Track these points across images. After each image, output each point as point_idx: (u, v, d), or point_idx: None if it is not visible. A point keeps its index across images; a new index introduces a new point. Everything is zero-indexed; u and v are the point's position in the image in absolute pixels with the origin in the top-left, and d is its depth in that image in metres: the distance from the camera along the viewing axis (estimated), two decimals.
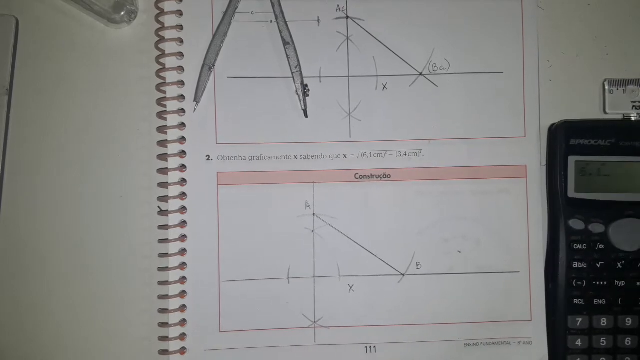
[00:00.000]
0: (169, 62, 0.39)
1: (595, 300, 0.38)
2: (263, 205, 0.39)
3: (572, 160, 0.38)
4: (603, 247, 0.38)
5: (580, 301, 0.38)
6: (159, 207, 0.39)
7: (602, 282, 0.38)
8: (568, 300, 0.38)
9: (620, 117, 0.39)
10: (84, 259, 0.39)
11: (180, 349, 0.38)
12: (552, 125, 0.39)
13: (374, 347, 0.39)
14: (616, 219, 0.38)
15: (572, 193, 0.38)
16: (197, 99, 0.39)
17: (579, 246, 0.38)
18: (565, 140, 0.38)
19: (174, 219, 0.38)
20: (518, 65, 0.40)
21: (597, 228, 0.38)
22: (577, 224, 0.38)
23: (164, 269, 0.38)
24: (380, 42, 0.39)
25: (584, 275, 0.38)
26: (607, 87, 0.40)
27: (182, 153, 0.39)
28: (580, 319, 0.38)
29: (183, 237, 0.38)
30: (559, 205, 0.38)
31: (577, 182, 0.38)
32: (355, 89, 0.39)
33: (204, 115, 0.39)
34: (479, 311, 0.39)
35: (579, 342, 0.38)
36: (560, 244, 0.38)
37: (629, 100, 0.39)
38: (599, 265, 0.38)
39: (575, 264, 0.38)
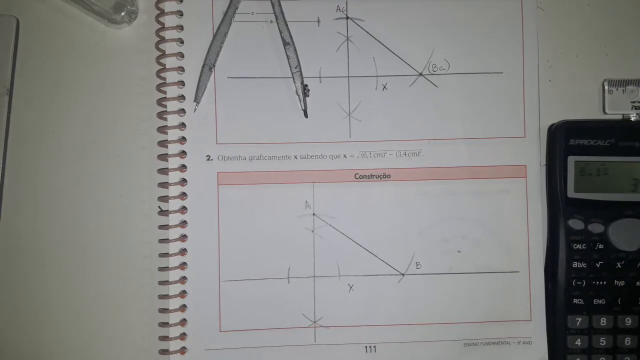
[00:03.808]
0: (169, 62, 0.39)
1: (594, 300, 0.38)
2: (263, 205, 0.39)
3: (571, 160, 0.38)
4: (602, 247, 0.38)
5: (579, 301, 0.38)
6: (159, 207, 0.39)
7: (601, 282, 0.38)
8: (568, 300, 0.38)
9: (619, 117, 0.39)
10: (84, 259, 0.39)
11: (181, 348, 0.38)
12: (552, 125, 0.39)
13: (374, 347, 0.39)
14: (615, 218, 0.38)
15: (571, 193, 0.38)
16: (197, 99, 0.39)
17: (578, 246, 0.38)
18: (565, 140, 0.38)
19: (174, 219, 0.38)
20: (518, 65, 0.40)
21: (596, 228, 0.38)
22: (576, 224, 0.38)
23: (164, 268, 0.38)
24: (380, 42, 0.39)
25: (583, 275, 0.38)
26: (606, 87, 0.40)
27: (183, 153, 0.39)
28: (579, 319, 0.38)
29: (183, 237, 0.38)
30: (559, 205, 0.38)
31: (576, 182, 0.38)
32: (355, 89, 0.39)
33: (204, 116, 0.39)
34: (479, 311, 0.39)
35: (578, 342, 0.38)
36: (559, 244, 0.38)
37: (628, 100, 0.39)
38: (598, 265, 0.38)
39: (575, 264, 0.38)
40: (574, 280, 0.38)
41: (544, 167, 0.40)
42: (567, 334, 0.38)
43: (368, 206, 0.39)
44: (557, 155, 0.38)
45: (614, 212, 0.38)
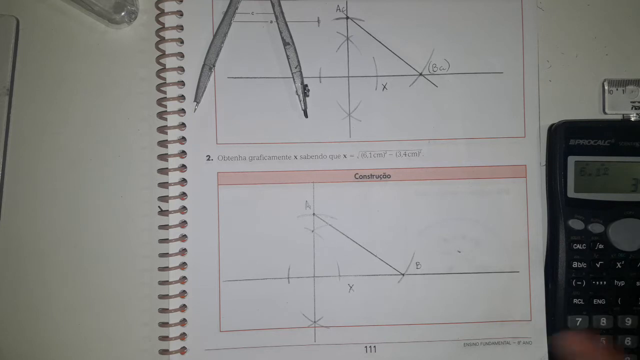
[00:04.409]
0: (169, 62, 0.39)
1: (594, 300, 0.38)
2: (263, 205, 0.39)
3: (571, 160, 0.38)
4: (602, 247, 0.38)
5: (579, 301, 0.38)
6: (159, 207, 0.39)
7: (601, 282, 0.38)
8: (568, 300, 0.38)
9: (619, 117, 0.39)
10: (84, 259, 0.39)
11: (181, 348, 0.38)
12: (552, 125, 0.39)
13: (374, 346, 0.39)
14: (616, 218, 0.38)
15: (571, 193, 0.38)
16: (197, 99, 0.39)
17: (578, 246, 0.38)
18: (565, 140, 0.38)
19: (174, 219, 0.38)
20: (518, 65, 0.40)
21: (596, 228, 0.38)
22: (576, 224, 0.38)
23: (164, 268, 0.38)
24: (380, 42, 0.39)
25: (583, 275, 0.38)
26: (606, 87, 0.40)
27: (183, 153, 0.39)
28: (579, 319, 0.38)
29: (183, 237, 0.38)
30: (559, 206, 0.38)
31: (576, 182, 0.38)
32: (355, 89, 0.39)
33: (204, 116, 0.39)
34: (479, 311, 0.39)
35: None
36: (559, 243, 0.38)
37: (628, 100, 0.39)
38: (598, 265, 0.38)
39: (575, 264, 0.38)
40: (574, 280, 0.38)
41: (544, 167, 0.40)
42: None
43: (368, 206, 0.39)
44: (557, 155, 0.38)
45: (614, 212, 0.38)
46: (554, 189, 0.38)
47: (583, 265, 0.38)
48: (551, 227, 0.39)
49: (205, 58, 0.38)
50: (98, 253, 0.39)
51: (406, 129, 0.39)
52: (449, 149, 0.39)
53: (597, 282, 0.38)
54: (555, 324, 0.38)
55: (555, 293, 0.38)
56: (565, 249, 0.38)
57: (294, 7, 0.39)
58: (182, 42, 0.39)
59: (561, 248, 0.38)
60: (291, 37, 0.39)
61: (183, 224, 0.38)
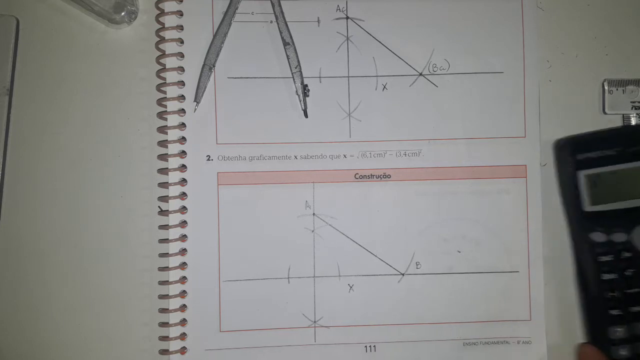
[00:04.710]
0: (169, 62, 0.39)
1: (631, 308, 0.37)
2: (263, 205, 0.39)
3: (581, 174, 0.37)
4: (630, 254, 0.37)
5: (617, 311, 0.37)
6: (159, 207, 0.39)
7: (634, 289, 0.37)
8: (605, 312, 0.37)
9: (619, 117, 0.40)
10: (84, 259, 0.39)
11: (181, 348, 0.38)
12: (558, 141, 0.39)
13: (374, 346, 0.39)
14: (637, 224, 0.37)
15: (588, 207, 0.37)
16: (197, 99, 0.39)
17: (605, 258, 0.37)
18: (572, 155, 0.38)
19: (174, 219, 0.38)
20: (518, 65, 0.40)
21: (619, 237, 0.37)
22: (598, 237, 0.37)
23: (165, 268, 0.38)
24: (380, 42, 0.39)
25: (615, 286, 0.37)
26: (606, 87, 0.40)
27: (183, 153, 0.39)
28: (620, 329, 0.37)
29: (183, 237, 0.38)
30: (578, 221, 0.38)
31: (590, 195, 0.37)
32: (355, 89, 0.39)
33: (205, 116, 0.39)
34: (479, 311, 0.39)
35: (622, 352, 0.37)
36: (586, 258, 0.38)
37: (628, 100, 0.40)
38: (629, 273, 0.37)
39: (605, 276, 0.37)
40: (607, 292, 0.37)
41: (544, 167, 0.40)
42: (610, 345, 0.37)
43: (368, 206, 0.39)
44: (567, 172, 0.38)
45: (634, 218, 0.37)
46: (569, 206, 0.38)
47: (613, 276, 0.37)
48: (574, 243, 0.39)
49: (205, 58, 0.38)
50: (98, 253, 0.39)
51: (406, 129, 0.39)
52: (449, 149, 0.39)
53: (631, 290, 0.37)
54: (597, 336, 0.38)
55: (590, 306, 0.38)
56: (592, 263, 0.37)
57: (294, 7, 0.39)
58: (182, 42, 0.39)
59: (588, 262, 0.38)
60: (291, 37, 0.39)
61: (183, 224, 0.38)
